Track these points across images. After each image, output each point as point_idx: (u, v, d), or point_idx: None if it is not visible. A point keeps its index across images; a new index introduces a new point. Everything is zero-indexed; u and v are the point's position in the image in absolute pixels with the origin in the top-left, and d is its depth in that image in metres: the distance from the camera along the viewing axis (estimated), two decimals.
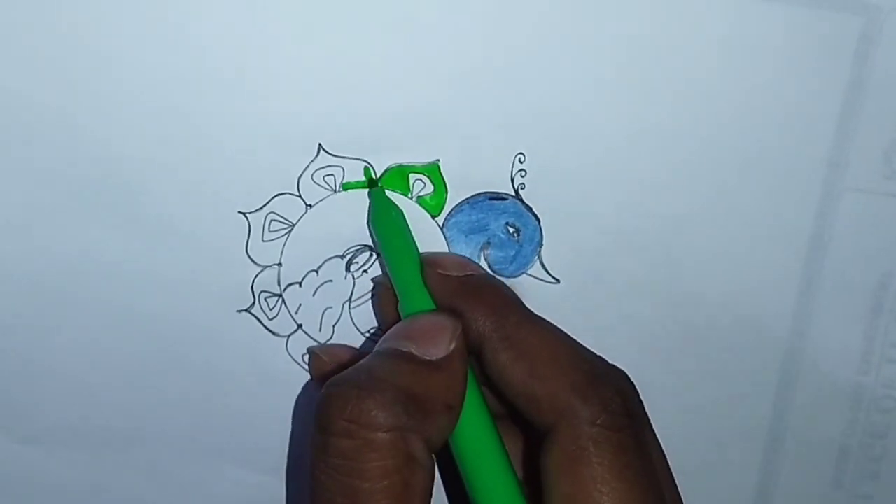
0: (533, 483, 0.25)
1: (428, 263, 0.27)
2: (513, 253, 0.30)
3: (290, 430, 0.30)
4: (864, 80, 0.29)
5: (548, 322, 0.26)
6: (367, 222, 0.29)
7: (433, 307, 0.26)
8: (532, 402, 0.24)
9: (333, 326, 0.30)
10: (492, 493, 0.24)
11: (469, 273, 0.27)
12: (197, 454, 0.30)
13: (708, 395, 0.32)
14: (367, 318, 0.30)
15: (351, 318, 0.30)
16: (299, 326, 0.30)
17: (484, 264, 0.30)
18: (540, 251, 0.30)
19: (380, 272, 0.29)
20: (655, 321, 0.31)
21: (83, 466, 0.30)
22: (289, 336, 0.30)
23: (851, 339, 0.32)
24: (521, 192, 0.29)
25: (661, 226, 0.30)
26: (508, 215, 0.30)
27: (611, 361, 0.26)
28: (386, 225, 0.28)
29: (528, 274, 0.30)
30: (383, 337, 0.26)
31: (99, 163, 0.27)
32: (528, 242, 0.30)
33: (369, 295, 0.30)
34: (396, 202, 0.29)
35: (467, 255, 0.30)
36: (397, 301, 0.27)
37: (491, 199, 0.29)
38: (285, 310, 0.29)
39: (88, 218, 0.28)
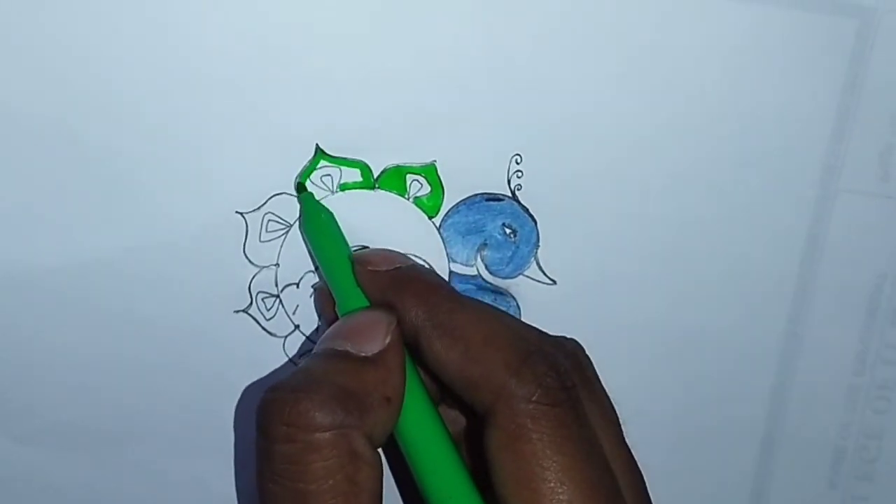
0: (479, 466, 0.25)
1: (357, 262, 0.27)
2: (509, 254, 0.30)
3: None
4: (859, 82, 0.29)
5: (481, 303, 0.26)
6: (299, 227, 0.29)
7: (367, 304, 0.26)
8: (469, 386, 0.24)
9: None
10: (440, 480, 0.24)
11: (397, 266, 0.27)
12: (194, 454, 0.30)
13: (703, 396, 0.32)
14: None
15: None
16: (297, 327, 0.30)
17: (481, 265, 0.30)
18: (536, 252, 0.30)
19: None
20: (651, 322, 0.31)
21: (79, 466, 0.30)
22: (286, 336, 0.30)
23: (846, 341, 0.32)
24: (517, 193, 0.29)
25: (658, 227, 0.30)
26: (505, 216, 0.30)
27: (607, 361, 0.26)
28: (316, 229, 0.28)
29: (524, 275, 0.30)
30: (320, 338, 0.26)
31: (96, 163, 0.27)
32: (524, 244, 0.30)
33: None
34: (396, 198, 0.29)
35: (464, 256, 0.30)
36: (335, 303, 0.27)
37: (487, 200, 0.30)
38: (283, 310, 0.29)
39: (85, 218, 0.28)
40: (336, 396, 0.23)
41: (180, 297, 0.29)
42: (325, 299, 0.28)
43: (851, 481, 0.33)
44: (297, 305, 0.29)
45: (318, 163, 0.28)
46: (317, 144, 0.28)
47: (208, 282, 0.29)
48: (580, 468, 0.23)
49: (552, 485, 0.23)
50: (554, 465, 0.23)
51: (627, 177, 0.30)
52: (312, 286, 0.29)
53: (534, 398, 0.23)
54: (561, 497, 0.23)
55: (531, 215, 0.30)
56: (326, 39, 0.27)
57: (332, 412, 0.23)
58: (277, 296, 0.29)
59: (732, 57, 0.29)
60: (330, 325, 0.27)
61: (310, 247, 0.29)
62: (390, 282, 0.26)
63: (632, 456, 0.26)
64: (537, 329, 0.26)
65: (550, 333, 0.26)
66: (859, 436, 0.33)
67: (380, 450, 0.24)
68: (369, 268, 0.26)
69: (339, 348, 0.25)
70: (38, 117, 0.27)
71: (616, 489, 0.24)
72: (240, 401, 0.30)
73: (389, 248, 0.29)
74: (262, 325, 0.29)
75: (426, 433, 0.25)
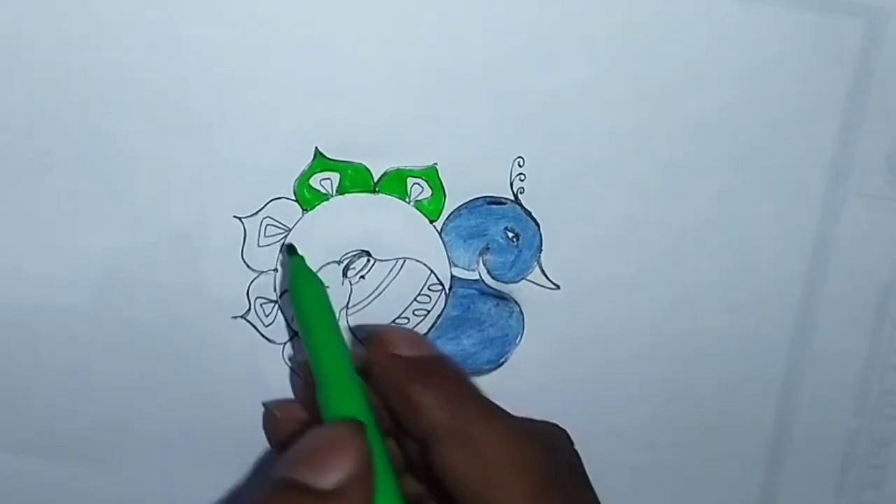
0: None
1: (377, 341, 0.26)
2: (512, 258, 0.30)
3: None
4: (867, 83, 0.29)
5: (502, 411, 0.25)
6: (289, 297, 0.27)
7: (351, 408, 0.24)
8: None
9: None
10: None
11: (422, 354, 0.25)
12: (192, 460, 0.30)
13: (710, 402, 0.32)
14: (363, 324, 0.30)
15: (347, 324, 0.29)
16: (295, 333, 0.29)
17: (483, 270, 0.30)
18: (539, 256, 0.30)
19: (380, 279, 0.29)
20: (656, 327, 0.31)
21: (78, 472, 0.30)
22: (285, 343, 0.29)
23: (855, 346, 0.32)
24: (520, 196, 0.29)
25: (663, 231, 0.30)
26: (507, 220, 0.30)
27: (613, 369, 0.26)
28: (306, 301, 0.26)
29: (527, 279, 0.30)
30: (280, 459, 0.23)
31: (93, 167, 0.27)
32: (527, 247, 0.30)
33: (366, 301, 0.29)
34: (396, 201, 0.29)
35: (466, 260, 0.30)
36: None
37: (490, 203, 0.29)
38: (281, 316, 0.29)
39: (82, 223, 0.28)
40: None
41: (178, 302, 0.28)
42: (308, 378, 0.26)
43: (859, 488, 0.33)
44: None
45: (317, 166, 0.28)
46: (316, 148, 0.28)
47: (206, 287, 0.28)
48: None
49: None
50: None
51: (631, 180, 0.30)
52: (291, 359, 0.28)
53: None
54: None
55: (534, 219, 0.30)
56: (327, 42, 0.27)
57: None
58: (276, 301, 0.29)
59: (738, 58, 0.29)
60: (307, 406, 0.25)
61: (297, 320, 0.26)
62: (411, 370, 0.25)
63: None
64: (534, 427, 0.25)
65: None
66: (867, 442, 0.33)
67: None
68: (389, 349, 0.25)
69: (299, 479, 0.22)
70: (37, 121, 0.27)
71: None
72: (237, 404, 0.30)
73: (406, 328, 0.28)
74: (261, 331, 0.29)
75: None
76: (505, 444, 0.24)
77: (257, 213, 0.28)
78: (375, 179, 0.29)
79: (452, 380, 0.25)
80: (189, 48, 0.26)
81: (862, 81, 0.29)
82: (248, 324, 0.29)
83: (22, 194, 0.27)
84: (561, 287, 0.30)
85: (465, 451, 0.24)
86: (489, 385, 0.28)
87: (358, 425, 0.23)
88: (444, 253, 0.30)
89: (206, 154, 0.27)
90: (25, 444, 0.29)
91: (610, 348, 0.28)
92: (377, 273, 0.29)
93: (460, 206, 0.29)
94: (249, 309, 0.29)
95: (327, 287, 0.29)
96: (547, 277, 0.30)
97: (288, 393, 0.30)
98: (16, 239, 0.27)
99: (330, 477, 0.22)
